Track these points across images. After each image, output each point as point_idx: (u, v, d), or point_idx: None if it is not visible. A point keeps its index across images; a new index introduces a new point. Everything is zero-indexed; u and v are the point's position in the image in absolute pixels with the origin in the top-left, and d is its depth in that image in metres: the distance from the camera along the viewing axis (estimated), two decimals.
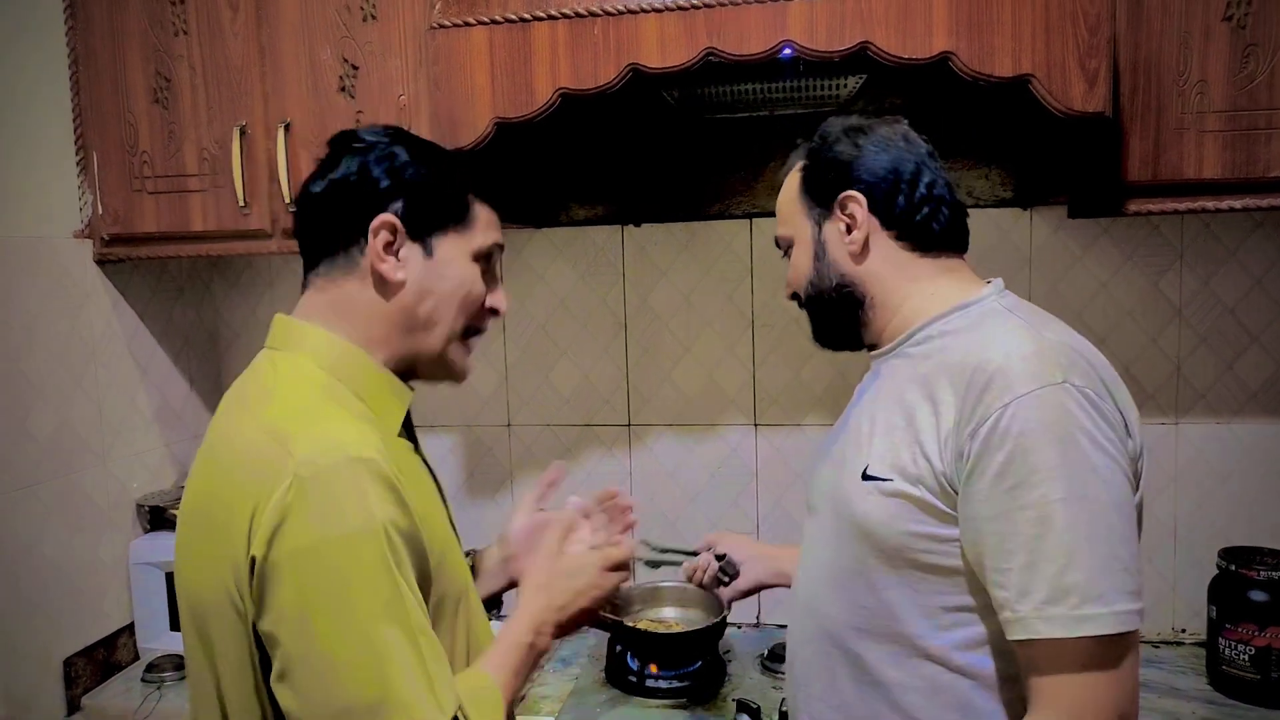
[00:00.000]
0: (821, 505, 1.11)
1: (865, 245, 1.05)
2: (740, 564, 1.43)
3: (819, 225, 1.08)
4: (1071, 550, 0.86)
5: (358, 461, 0.82)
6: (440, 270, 0.96)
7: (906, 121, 1.08)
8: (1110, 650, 0.86)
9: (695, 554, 1.50)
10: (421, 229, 0.95)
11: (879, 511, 0.98)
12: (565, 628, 1.05)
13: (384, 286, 0.94)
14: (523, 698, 1.69)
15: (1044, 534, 0.86)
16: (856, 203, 1.04)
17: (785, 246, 1.14)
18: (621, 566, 1.09)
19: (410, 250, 0.95)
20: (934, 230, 1.04)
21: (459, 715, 0.85)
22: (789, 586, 1.24)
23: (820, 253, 1.08)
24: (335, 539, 0.80)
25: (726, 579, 1.44)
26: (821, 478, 1.13)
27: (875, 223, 1.04)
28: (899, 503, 0.97)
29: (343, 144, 0.97)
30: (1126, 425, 0.93)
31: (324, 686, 0.80)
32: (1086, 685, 0.86)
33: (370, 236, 0.93)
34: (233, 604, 0.84)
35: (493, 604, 1.27)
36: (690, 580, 1.49)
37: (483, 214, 1.00)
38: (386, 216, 0.93)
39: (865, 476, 1.00)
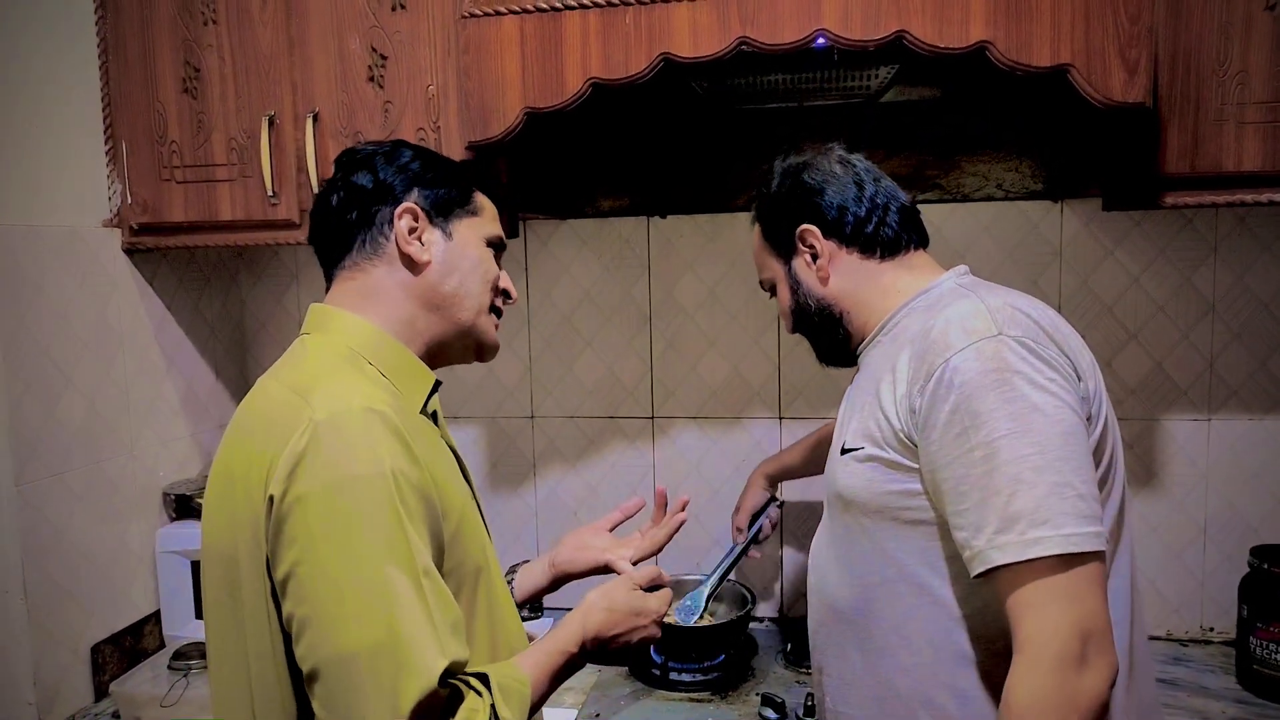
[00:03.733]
0: (826, 496, 1.18)
1: (830, 267, 1.15)
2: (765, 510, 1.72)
3: (788, 263, 1.20)
4: (1017, 480, 0.90)
5: (371, 412, 0.87)
6: (460, 250, 1.04)
7: (840, 146, 1.19)
8: (1063, 571, 0.89)
9: (744, 553, 1.70)
10: (439, 214, 1.04)
11: (856, 479, 1.06)
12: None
13: (413, 267, 1.02)
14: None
15: (991, 470, 0.91)
16: (812, 234, 1.15)
17: (769, 288, 1.25)
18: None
19: (432, 234, 1.03)
20: (886, 236, 1.14)
21: (477, 683, 0.87)
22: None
23: (795, 285, 1.19)
24: (345, 480, 0.84)
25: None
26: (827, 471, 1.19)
27: (833, 245, 1.15)
28: (872, 466, 1.04)
29: (349, 158, 1.06)
30: (1076, 370, 0.98)
31: (330, 623, 0.82)
32: (1043, 606, 0.89)
33: (395, 221, 1.01)
34: (258, 548, 0.87)
35: (535, 606, 1.28)
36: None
37: (488, 206, 1.09)
38: (408, 204, 1.02)
39: (843, 451, 1.09)
